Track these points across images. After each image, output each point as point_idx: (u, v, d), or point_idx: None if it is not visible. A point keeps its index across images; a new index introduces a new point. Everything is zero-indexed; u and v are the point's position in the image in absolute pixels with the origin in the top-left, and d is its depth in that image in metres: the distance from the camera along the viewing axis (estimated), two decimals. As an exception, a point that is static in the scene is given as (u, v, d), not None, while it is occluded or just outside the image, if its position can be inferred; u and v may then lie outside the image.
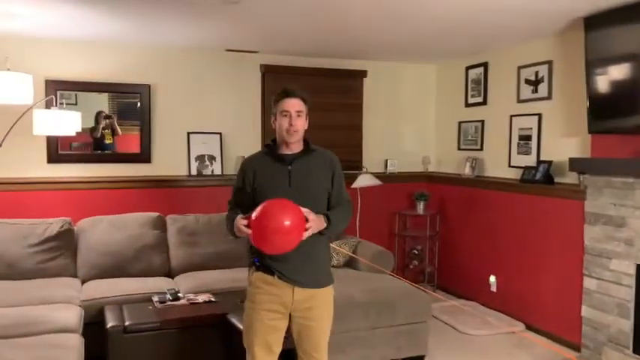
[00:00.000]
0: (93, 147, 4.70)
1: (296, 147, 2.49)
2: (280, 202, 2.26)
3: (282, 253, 2.31)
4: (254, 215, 2.24)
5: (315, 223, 2.32)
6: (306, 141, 2.53)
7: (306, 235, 2.27)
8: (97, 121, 4.69)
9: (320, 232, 2.38)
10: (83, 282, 4.04)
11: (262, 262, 2.43)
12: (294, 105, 2.43)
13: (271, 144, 2.54)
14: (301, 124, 2.45)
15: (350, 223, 5.37)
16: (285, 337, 2.53)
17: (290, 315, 2.47)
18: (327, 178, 2.51)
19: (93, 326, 3.46)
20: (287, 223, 2.20)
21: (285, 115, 2.42)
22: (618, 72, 3.50)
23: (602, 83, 3.60)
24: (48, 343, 2.87)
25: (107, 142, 4.74)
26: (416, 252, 5.59)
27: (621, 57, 3.46)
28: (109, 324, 3.22)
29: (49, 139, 4.50)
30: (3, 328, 3.05)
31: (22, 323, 3.12)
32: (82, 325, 3.37)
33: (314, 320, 2.48)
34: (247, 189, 2.47)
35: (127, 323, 3.23)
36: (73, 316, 3.31)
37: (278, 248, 2.28)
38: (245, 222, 2.27)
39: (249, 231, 2.24)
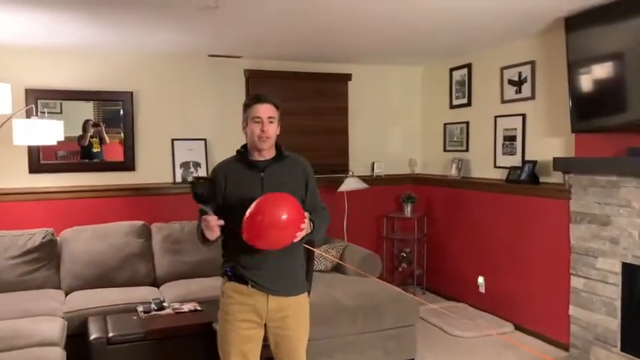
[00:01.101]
0: (80, 155, 4.66)
1: (268, 153, 2.44)
2: (277, 195, 2.23)
3: (258, 261, 2.30)
4: (249, 211, 2.19)
5: (307, 223, 2.29)
6: (278, 146, 2.49)
7: (300, 234, 2.24)
8: (84, 130, 4.65)
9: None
10: (67, 293, 3.98)
11: (235, 271, 2.40)
12: (266, 111, 2.39)
13: (242, 150, 2.49)
14: (273, 131, 2.41)
15: (337, 226, 5.35)
16: (263, 346, 2.50)
17: (266, 325, 2.43)
18: (300, 185, 2.48)
19: (77, 338, 3.40)
20: (284, 216, 2.17)
21: (257, 122, 2.38)
22: (600, 71, 3.51)
23: (585, 83, 3.61)
24: (29, 358, 2.82)
25: (95, 150, 4.70)
26: (404, 254, 5.58)
27: (602, 56, 3.48)
28: (92, 335, 3.17)
29: (30, 148, 4.43)
30: (-17, 343, 2.98)
31: (3, 337, 3.04)
32: (65, 337, 3.32)
33: (290, 329, 2.45)
34: (218, 196, 2.41)
35: (110, 334, 3.18)
36: (55, 328, 3.25)
37: (274, 243, 2.24)
38: (220, 222, 2.23)
39: (221, 222, 2.22)
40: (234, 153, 2.54)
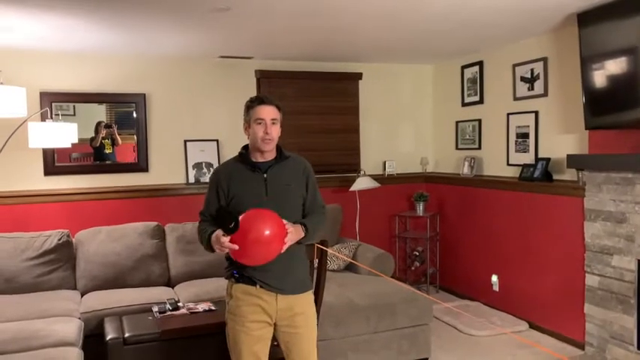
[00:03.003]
0: (93, 157, 4.70)
1: (270, 154, 2.45)
2: (258, 212, 2.24)
3: (263, 263, 2.31)
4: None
5: (293, 233, 2.32)
6: (279, 147, 2.49)
7: (285, 246, 2.28)
8: (96, 131, 4.70)
9: (298, 242, 2.39)
10: (83, 294, 4.02)
11: (242, 273, 2.40)
12: (269, 113, 2.39)
13: (244, 151, 2.49)
14: (276, 132, 2.42)
15: (349, 226, 5.36)
16: (272, 347, 2.51)
17: (276, 326, 2.45)
18: (302, 185, 2.51)
19: (93, 338, 3.45)
20: (267, 232, 2.19)
21: (260, 123, 2.38)
22: (613, 67, 3.48)
23: (598, 79, 3.58)
24: (47, 358, 2.85)
25: (107, 151, 4.74)
26: (417, 253, 5.57)
27: (616, 51, 3.44)
28: (109, 336, 3.19)
29: (45, 151, 4.49)
30: (2, 344, 3.02)
31: (21, 338, 3.09)
32: (82, 337, 3.36)
33: (300, 327, 2.47)
34: (221, 199, 2.42)
35: (126, 335, 3.20)
36: (72, 329, 3.29)
37: (259, 259, 2.27)
38: (227, 238, 2.20)
39: (236, 247, 2.20)
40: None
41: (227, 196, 2.41)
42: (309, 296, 2.54)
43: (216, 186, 2.45)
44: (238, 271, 2.41)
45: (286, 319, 2.43)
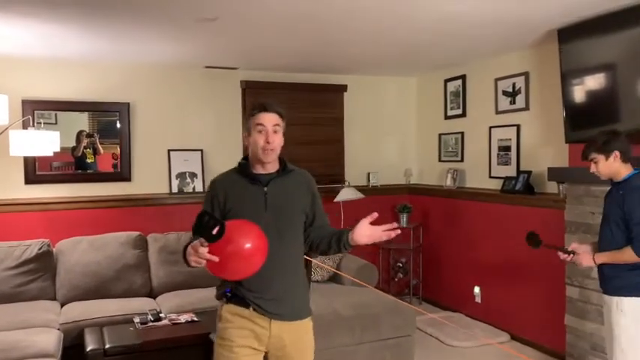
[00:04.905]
0: (75, 166, 4.65)
1: (272, 166, 2.24)
2: (236, 222, 2.02)
3: (263, 283, 2.12)
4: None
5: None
6: (281, 160, 2.29)
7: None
8: (78, 140, 4.65)
9: (342, 246, 2.20)
10: (63, 304, 3.97)
11: (236, 292, 2.16)
12: (271, 119, 2.19)
13: (243, 162, 2.27)
14: (278, 142, 2.20)
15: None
16: None
17: (267, 354, 2.21)
18: (305, 201, 2.29)
19: (73, 349, 3.40)
20: (247, 245, 1.95)
21: (261, 131, 2.17)
22: (593, 82, 3.56)
23: (578, 93, 3.65)
24: (25, 370, 2.81)
25: (89, 161, 4.70)
26: (400, 264, 5.59)
27: (595, 67, 3.52)
28: (89, 347, 3.16)
29: (26, 159, 4.43)
30: (-21, 355, 2.97)
31: (-1, 349, 3.04)
32: (62, 349, 3.31)
33: (294, 358, 2.23)
34: (216, 212, 2.16)
35: (107, 346, 3.17)
36: (51, 340, 3.24)
37: (237, 274, 2.03)
38: (206, 249, 1.89)
39: (215, 258, 1.88)
40: (231, 163, 2.39)
41: (223, 209, 2.18)
42: (306, 324, 2.29)
43: (212, 198, 2.23)
44: (231, 290, 2.17)
45: (279, 349, 2.20)
